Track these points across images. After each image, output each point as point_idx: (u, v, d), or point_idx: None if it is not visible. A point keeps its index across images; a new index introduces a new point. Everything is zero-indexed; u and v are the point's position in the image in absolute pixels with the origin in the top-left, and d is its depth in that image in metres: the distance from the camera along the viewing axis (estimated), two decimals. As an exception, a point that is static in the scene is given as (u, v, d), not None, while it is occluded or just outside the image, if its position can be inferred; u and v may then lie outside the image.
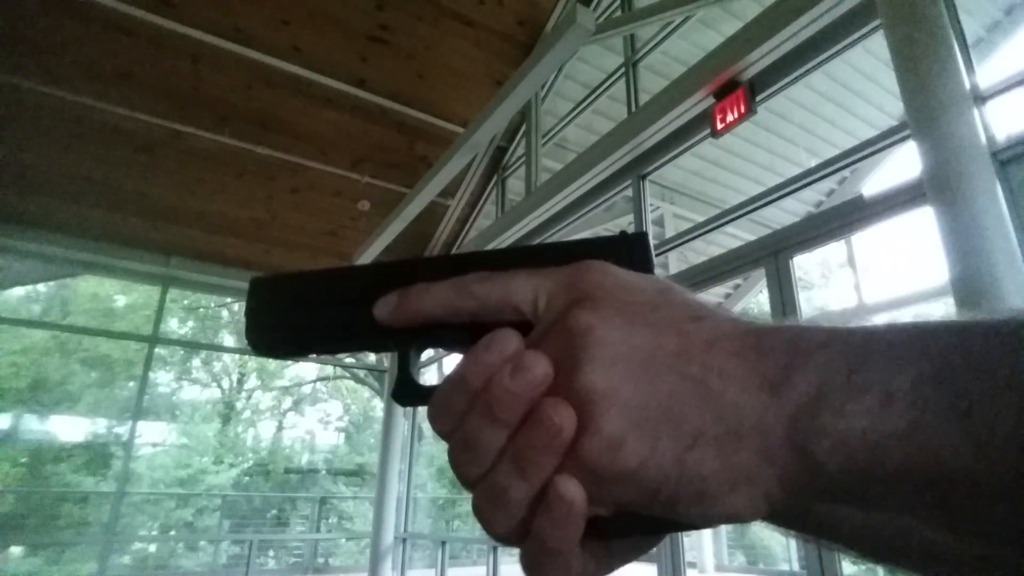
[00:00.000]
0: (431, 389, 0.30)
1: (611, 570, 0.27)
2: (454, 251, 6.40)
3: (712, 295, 6.46)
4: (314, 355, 0.35)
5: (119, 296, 13.85)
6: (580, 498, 0.22)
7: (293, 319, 0.33)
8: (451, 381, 0.26)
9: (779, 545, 9.28)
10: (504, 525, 0.24)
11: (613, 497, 0.23)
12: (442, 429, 0.26)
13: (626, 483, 0.22)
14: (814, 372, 0.21)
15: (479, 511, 0.25)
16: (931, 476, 0.18)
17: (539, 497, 0.23)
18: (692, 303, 0.25)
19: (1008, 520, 0.17)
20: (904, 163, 3.24)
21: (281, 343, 0.33)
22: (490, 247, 5.40)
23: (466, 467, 0.25)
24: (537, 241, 4.97)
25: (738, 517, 0.22)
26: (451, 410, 0.26)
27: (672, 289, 0.26)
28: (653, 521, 0.23)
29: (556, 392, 0.24)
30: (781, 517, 0.22)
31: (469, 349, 0.27)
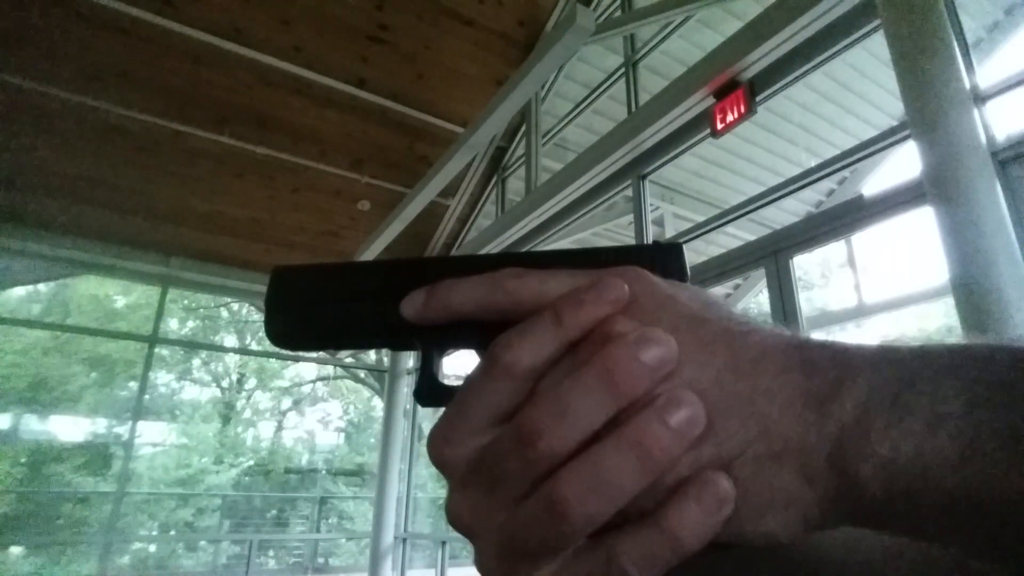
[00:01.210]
0: (455, 389, 0.28)
1: None
2: (454, 251, 6.40)
3: (712, 295, 6.45)
4: (334, 349, 0.34)
5: (119, 296, 13.85)
6: (731, 492, 0.21)
7: (316, 312, 0.32)
8: (519, 332, 0.23)
9: (779, 545, 9.28)
10: (597, 517, 0.21)
11: (645, 511, 0.22)
12: (466, 442, 0.23)
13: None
14: (860, 391, 0.20)
15: (568, 503, 0.20)
16: (982, 505, 0.17)
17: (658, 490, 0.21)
18: (735, 316, 0.25)
19: None
20: (904, 163, 3.25)
21: (302, 336, 0.32)
22: (490, 247, 5.40)
23: (554, 433, 0.21)
24: (538, 241, 4.97)
25: (772, 538, 0.21)
26: (538, 351, 0.23)
27: (715, 302, 0.26)
28: None
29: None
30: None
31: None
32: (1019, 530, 0.17)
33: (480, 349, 0.30)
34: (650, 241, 0.30)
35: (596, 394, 0.21)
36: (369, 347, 0.33)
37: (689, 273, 0.29)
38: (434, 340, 0.30)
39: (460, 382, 0.26)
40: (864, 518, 0.20)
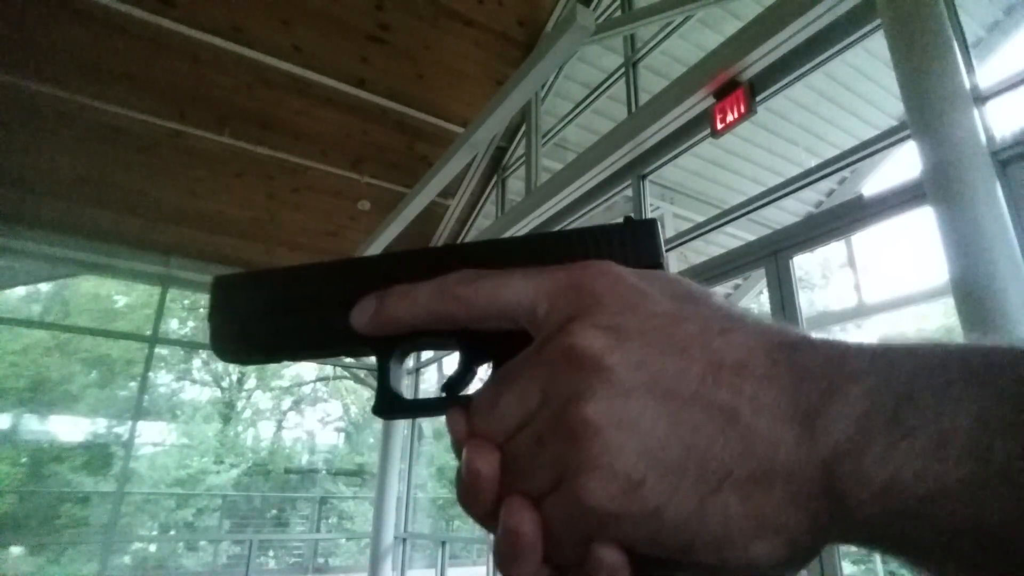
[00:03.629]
0: (417, 403, 0.27)
1: None
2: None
3: (712, 295, 6.44)
4: (286, 361, 0.31)
5: (119, 296, 13.86)
6: (622, 561, 0.20)
7: (261, 325, 0.29)
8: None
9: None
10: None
11: (625, 539, 0.20)
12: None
13: (639, 526, 0.20)
14: (855, 404, 0.18)
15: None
16: (989, 531, 0.16)
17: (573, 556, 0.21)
18: (716, 311, 0.22)
19: None
20: (904, 163, 3.24)
21: (248, 350, 0.30)
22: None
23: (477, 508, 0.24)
24: (537, 241, 4.96)
25: (758, 567, 0.19)
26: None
27: (691, 294, 0.23)
28: (662, 563, 0.21)
29: (559, 425, 0.21)
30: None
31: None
32: (1020, 558, 0.16)
33: (441, 350, 0.29)
34: (622, 219, 0.27)
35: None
36: (322, 356, 0.31)
37: (664, 250, 0.27)
38: (389, 349, 0.28)
39: (423, 395, 0.25)
40: (857, 540, 0.19)
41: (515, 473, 0.22)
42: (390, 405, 0.27)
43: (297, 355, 0.30)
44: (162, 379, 14.41)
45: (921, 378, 0.18)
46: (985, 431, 0.16)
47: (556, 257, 0.25)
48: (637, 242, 0.26)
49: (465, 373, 0.27)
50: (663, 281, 0.24)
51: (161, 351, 12.97)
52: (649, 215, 3.95)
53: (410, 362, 6.80)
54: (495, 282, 0.25)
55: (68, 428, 13.02)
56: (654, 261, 0.26)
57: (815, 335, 0.21)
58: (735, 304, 0.23)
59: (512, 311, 0.24)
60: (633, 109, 4.29)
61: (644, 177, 3.97)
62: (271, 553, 12.24)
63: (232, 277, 0.30)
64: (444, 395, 0.27)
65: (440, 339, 0.27)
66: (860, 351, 0.20)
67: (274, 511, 13.98)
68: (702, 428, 0.19)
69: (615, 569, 0.20)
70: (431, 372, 7.69)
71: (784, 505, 0.19)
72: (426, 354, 7.55)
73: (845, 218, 2.79)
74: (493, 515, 0.22)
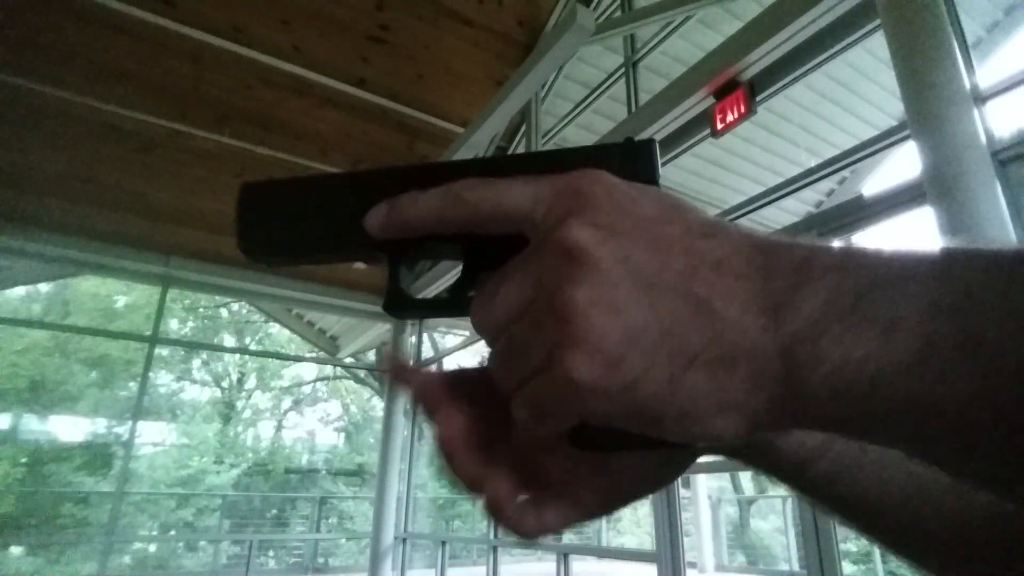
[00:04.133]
0: (425, 302, 0.30)
1: (617, 502, 0.28)
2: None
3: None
4: (304, 264, 0.34)
5: (119, 296, 13.87)
6: (587, 377, 0.22)
7: (285, 226, 0.32)
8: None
9: (779, 545, 9.28)
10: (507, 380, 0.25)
11: (602, 410, 0.22)
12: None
13: (618, 399, 0.22)
14: (819, 296, 0.20)
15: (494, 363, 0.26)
16: (929, 410, 0.18)
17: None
18: (702, 219, 0.24)
19: (1005, 459, 0.17)
20: (904, 163, 3.24)
21: (272, 250, 0.33)
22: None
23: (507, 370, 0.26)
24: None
25: (719, 439, 0.21)
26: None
27: (680, 204, 0.25)
28: (631, 437, 0.23)
29: (552, 308, 0.23)
30: (759, 450, 0.22)
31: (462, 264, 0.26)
32: (964, 434, 0.17)
33: (449, 258, 0.31)
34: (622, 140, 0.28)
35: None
36: (337, 260, 0.33)
37: (660, 172, 0.28)
38: (400, 253, 0.30)
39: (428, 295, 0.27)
40: (813, 422, 0.21)
41: (512, 357, 0.24)
42: (398, 302, 0.29)
43: (316, 257, 0.33)
44: (162, 379, 14.42)
45: (882, 274, 0.20)
46: (933, 316, 0.18)
47: (558, 171, 0.27)
48: (636, 162, 0.28)
49: (467, 278, 0.29)
50: (655, 192, 0.26)
51: (161, 351, 12.97)
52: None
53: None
54: (498, 188, 0.27)
55: (68, 428, 13.04)
56: (652, 181, 0.27)
57: (791, 239, 0.23)
58: (724, 219, 0.26)
59: (513, 214, 0.26)
60: (633, 109, 4.29)
61: (644, 177, 3.97)
62: (271, 553, 12.24)
63: (260, 183, 0.33)
64: (448, 296, 0.29)
65: (444, 244, 0.29)
66: (830, 252, 0.21)
67: (274, 511, 13.98)
68: (677, 314, 0.22)
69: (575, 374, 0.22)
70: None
71: (746, 384, 0.21)
72: (426, 354, 7.56)
73: (845, 218, 2.79)
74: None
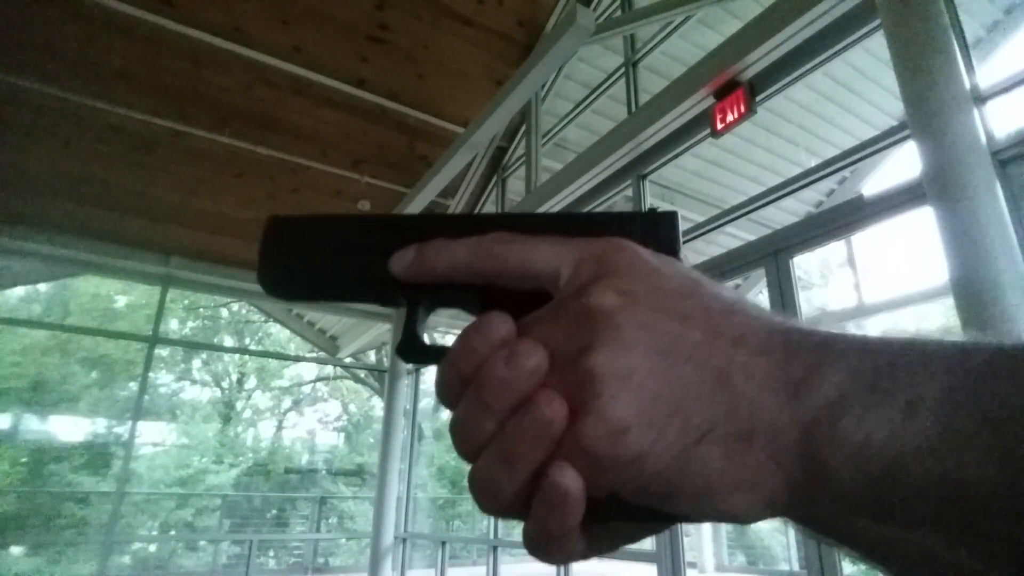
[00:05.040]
0: (436, 349, 0.29)
1: (611, 549, 0.26)
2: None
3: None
4: (324, 301, 0.34)
5: (119, 296, 13.86)
6: (576, 488, 0.21)
7: (308, 263, 0.32)
8: (446, 360, 0.25)
9: (779, 545, 9.28)
10: (494, 507, 0.23)
11: (609, 483, 0.22)
12: (444, 403, 0.25)
13: (624, 471, 0.21)
14: (839, 376, 0.20)
15: (472, 488, 0.24)
16: (951, 493, 0.17)
17: (534, 482, 0.22)
18: (724, 296, 0.24)
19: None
20: (904, 163, 3.24)
21: (294, 286, 0.33)
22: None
23: (461, 444, 0.24)
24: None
25: (736, 518, 0.21)
26: (448, 388, 0.25)
27: (704, 281, 0.25)
28: (649, 511, 0.23)
29: (566, 371, 0.22)
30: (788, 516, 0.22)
31: (468, 326, 0.26)
32: (980, 519, 0.17)
33: (464, 309, 0.31)
34: (646, 208, 0.29)
35: (478, 411, 0.23)
36: (357, 300, 0.33)
37: (681, 242, 0.29)
38: (420, 298, 0.30)
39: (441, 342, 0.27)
40: (834, 505, 0.20)
41: (523, 421, 0.24)
42: (411, 347, 0.30)
43: (337, 295, 0.33)
44: (162, 379, 14.41)
45: (900, 358, 0.20)
46: (952, 400, 0.18)
47: (582, 234, 0.27)
48: (658, 231, 0.29)
49: None
50: (678, 265, 0.26)
51: (161, 351, 12.97)
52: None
53: (410, 363, 6.78)
54: (527, 245, 0.27)
55: (68, 428, 13.03)
56: (672, 251, 0.28)
57: (810, 324, 0.23)
58: (743, 295, 0.26)
59: (539, 272, 0.27)
60: (633, 109, 4.29)
61: (644, 177, 3.97)
62: (271, 553, 12.23)
63: (286, 218, 0.33)
64: None
65: (466, 294, 0.29)
66: (847, 336, 0.22)
67: (274, 511, 13.97)
68: (692, 385, 0.21)
69: (568, 489, 0.21)
70: (431, 372, 7.68)
71: (763, 462, 0.20)
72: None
73: (845, 218, 2.79)
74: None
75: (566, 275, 0.25)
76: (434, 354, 0.30)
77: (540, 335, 0.24)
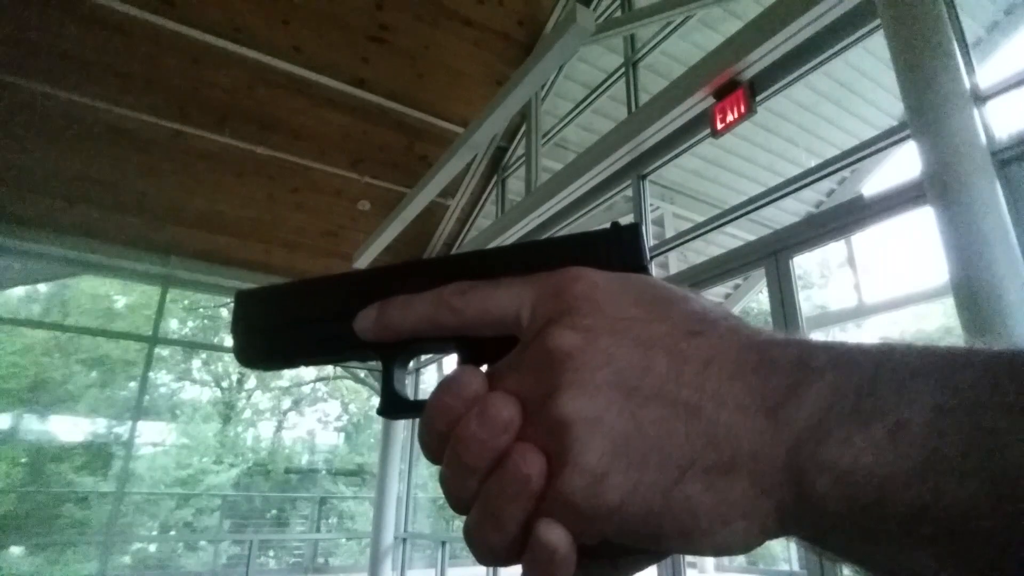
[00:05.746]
0: (419, 404, 0.29)
1: None
2: (454, 251, 6.41)
3: (712, 295, 6.45)
4: (301, 366, 0.34)
5: (119, 296, 13.85)
6: (564, 544, 0.21)
7: (278, 333, 0.32)
8: (423, 420, 0.25)
9: (779, 545, 9.29)
10: (491, 560, 0.23)
11: (597, 531, 0.21)
12: (430, 460, 0.25)
13: (609, 519, 0.20)
14: (819, 395, 0.19)
15: (467, 542, 0.24)
16: (941, 517, 0.17)
17: (524, 535, 0.22)
18: (689, 314, 0.23)
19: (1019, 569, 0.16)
20: (904, 163, 3.24)
21: (268, 357, 0.33)
22: (490, 247, 5.36)
23: (450, 500, 0.24)
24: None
25: (731, 550, 0.20)
26: (429, 447, 0.25)
27: (669, 298, 0.24)
28: (641, 551, 0.22)
29: (534, 422, 0.22)
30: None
31: (440, 382, 0.26)
32: (976, 543, 0.17)
33: (442, 353, 0.31)
34: (609, 225, 0.29)
35: (457, 470, 0.23)
36: (332, 363, 0.34)
37: (647, 254, 0.28)
38: (392, 354, 0.30)
39: (423, 397, 0.27)
40: (824, 528, 0.19)
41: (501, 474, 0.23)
42: (393, 406, 0.30)
43: (313, 360, 0.33)
44: (162, 379, 14.41)
45: (883, 374, 0.19)
46: (939, 424, 0.17)
47: (545, 263, 0.27)
48: (622, 247, 0.28)
49: None
50: (640, 285, 0.25)
51: (161, 351, 12.97)
52: (649, 215, 3.95)
53: (411, 363, 6.79)
54: (483, 293, 0.27)
55: (68, 428, 13.02)
56: (638, 265, 0.27)
57: (785, 336, 0.22)
58: (718, 306, 0.24)
59: (499, 319, 0.26)
60: (633, 109, 4.29)
61: (644, 177, 3.97)
62: (271, 553, 12.23)
63: (252, 291, 0.33)
64: None
65: (437, 344, 0.29)
66: (827, 349, 0.21)
67: (274, 511, 13.97)
68: (663, 422, 0.20)
69: (555, 548, 0.21)
70: (431, 372, 7.69)
71: (750, 492, 0.19)
72: (424, 356, 7.51)
73: (845, 218, 2.79)
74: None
75: (526, 317, 0.25)
76: (416, 409, 0.30)
77: (510, 385, 0.23)
